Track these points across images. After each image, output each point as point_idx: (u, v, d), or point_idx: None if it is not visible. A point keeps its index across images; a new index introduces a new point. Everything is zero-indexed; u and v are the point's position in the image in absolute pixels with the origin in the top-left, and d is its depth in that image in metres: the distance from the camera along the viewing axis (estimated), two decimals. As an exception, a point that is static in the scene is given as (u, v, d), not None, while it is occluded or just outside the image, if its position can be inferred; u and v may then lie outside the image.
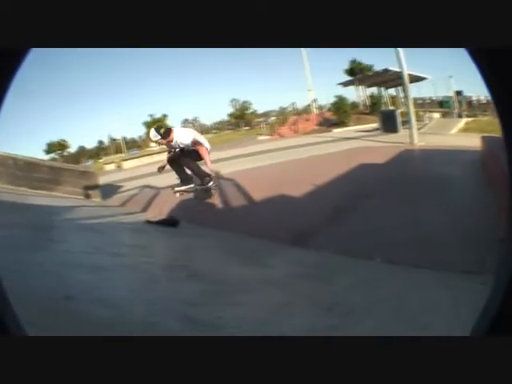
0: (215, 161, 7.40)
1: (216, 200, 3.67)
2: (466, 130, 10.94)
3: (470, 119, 13.84)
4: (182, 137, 5.37)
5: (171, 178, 5.93)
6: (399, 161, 5.39)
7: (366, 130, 11.98)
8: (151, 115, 55.83)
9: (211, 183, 5.37)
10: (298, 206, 3.46)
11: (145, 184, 5.93)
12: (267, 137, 17.28)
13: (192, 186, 5.60)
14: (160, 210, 3.78)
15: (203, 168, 5.35)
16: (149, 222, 2.89)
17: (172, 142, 5.33)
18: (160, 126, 6.03)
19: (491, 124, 12.06)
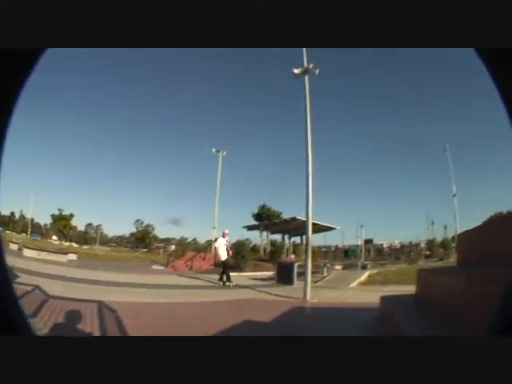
0: (103, 283, 8.43)
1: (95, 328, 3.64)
2: (369, 282, 10.70)
3: (374, 271, 13.65)
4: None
5: (62, 287, 6.57)
6: (286, 318, 5.14)
7: (261, 278, 11.98)
8: (60, 210, 55.32)
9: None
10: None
11: (38, 284, 5.87)
12: (161, 267, 17.53)
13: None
14: (44, 324, 3.56)
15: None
16: None
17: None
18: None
19: (398, 273, 11.78)
